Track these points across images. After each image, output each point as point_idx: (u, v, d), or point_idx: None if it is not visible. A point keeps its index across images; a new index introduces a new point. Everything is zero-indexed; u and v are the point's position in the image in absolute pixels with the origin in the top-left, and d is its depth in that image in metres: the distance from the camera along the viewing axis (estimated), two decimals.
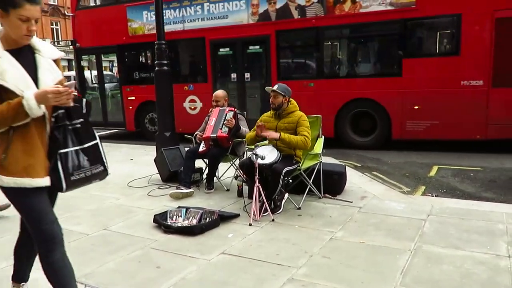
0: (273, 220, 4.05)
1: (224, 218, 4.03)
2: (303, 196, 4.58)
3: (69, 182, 2.07)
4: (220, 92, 5.54)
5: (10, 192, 2.06)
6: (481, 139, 7.20)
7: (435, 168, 6.41)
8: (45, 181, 2.05)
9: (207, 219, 3.92)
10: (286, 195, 4.52)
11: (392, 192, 5.11)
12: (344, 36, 8.36)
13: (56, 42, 37.96)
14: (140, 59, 10.68)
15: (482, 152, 7.44)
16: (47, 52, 2.15)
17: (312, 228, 3.86)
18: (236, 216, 4.14)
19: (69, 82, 2.00)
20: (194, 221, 3.91)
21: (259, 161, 4.04)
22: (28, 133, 2.01)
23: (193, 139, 5.54)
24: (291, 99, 4.51)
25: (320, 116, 5.00)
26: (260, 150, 4.18)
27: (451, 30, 7.24)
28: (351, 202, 4.56)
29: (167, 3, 9.08)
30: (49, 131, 2.07)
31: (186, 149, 5.55)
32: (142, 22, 9.87)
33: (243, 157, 5.26)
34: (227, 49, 9.17)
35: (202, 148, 5.19)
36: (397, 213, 4.18)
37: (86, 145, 2.13)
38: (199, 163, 5.48)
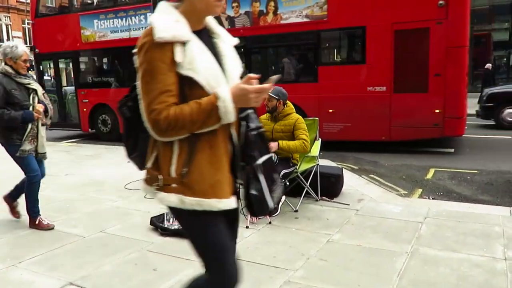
0: (270, 222, 4.05)
1: None
2: (300, 198, 4.58)
3: (274, 201, 1.71)
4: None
5: (188, 217, 1.59)
6: (386, 140, 7.82)
7: (431, 171, 6.43)
8: (232, 203, 1.63)
9: None
10: (283, 197, 4.51)
11: (389, 195, 5.12)
12: (268, 45, 9.01)
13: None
14: (93, 64, 11.35)
15: (479, 155, 7.47)
16: (228, 37, 1.69)
17: (309, 230, 3.86)
18: None
19: (275, 77, 1.55)
20: None
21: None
22: (216, 140, 1.56)
23: None
24: (287, 101, 4.52)
25: (317, 118, 5.02)
26: None
27: (358, 41, 7.91)
28: (348, 204, 4.56)
29: (115, 12, 10.08)
30: (235, 138, 1.64)
31: None
32: (94, 30, 10.58)
33: None
34: None
35: None
36: (394, 216, 4.19)
37: (270, 154, 1.73)
38: None
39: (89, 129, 10.97)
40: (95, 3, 11.05)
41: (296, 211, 4.37)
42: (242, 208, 4.29)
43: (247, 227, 3.92)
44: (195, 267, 3.14)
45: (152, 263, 3.23)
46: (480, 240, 3.52)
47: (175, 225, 3.90)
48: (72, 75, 11.27)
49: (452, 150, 7.94)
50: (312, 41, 8.17)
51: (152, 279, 2.99)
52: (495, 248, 3.37)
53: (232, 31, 8.61)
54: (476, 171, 6.31)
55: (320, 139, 4.92)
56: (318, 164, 4.73)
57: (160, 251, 3.45)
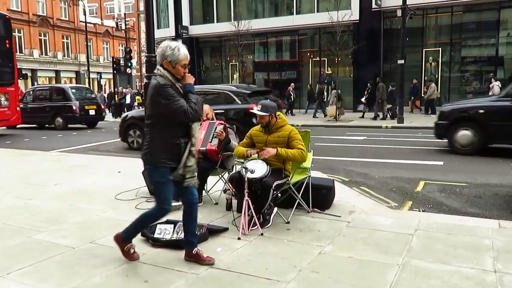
0: (262, 234, 4.04)
1: (213, 232, 4.01)
2: (292, 210, 4.58)
3: None
4: (204, 106, 5.44)
5: None
6: None
7: (421, 184, 6.49)
8: None
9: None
10: (275, 209, 4.51)
11: (380, 207, 5.15)
12: None
13: (44, 53, 38.13)
14: None
15: (468, 168, 7.57)
16: None
17: (301, 242, 3.86)
18: (225, 230, 4.12)
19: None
20: (183, 235, 3.87)
21: (249, 175, 4.04)
22: None
23: None
24: (279, 113, 4.54)
25: (309, 130, 5.04)
26: (249, 164, 4.18)
27: None
28: (340, 216, 4.57)
29: None
30: None
31: None
32: None
33: (232, 170, 5.25)
34: None
35: None
36: (385, 228, 4.21)
37: None
38: None
39: None
40: None
41: (288, 222, 4.37)
42: (233, 220, 4.30)
43: (239, 238, 3.91)
44: (187, 279, 3.12)
45: (143, 274, 3.20)
46: (470, 253, 3.55)
47: (166, 236, 3.88)
48: None
49: (442, 163, 8.04)
50: None
51: None
52: (485, 260, 3.40)
53: None
54: (465, 184, 6.38)
55: (312, 151, 4.94)
56: (310, 176, 4.74)
57: (151, 262, 3.42)
